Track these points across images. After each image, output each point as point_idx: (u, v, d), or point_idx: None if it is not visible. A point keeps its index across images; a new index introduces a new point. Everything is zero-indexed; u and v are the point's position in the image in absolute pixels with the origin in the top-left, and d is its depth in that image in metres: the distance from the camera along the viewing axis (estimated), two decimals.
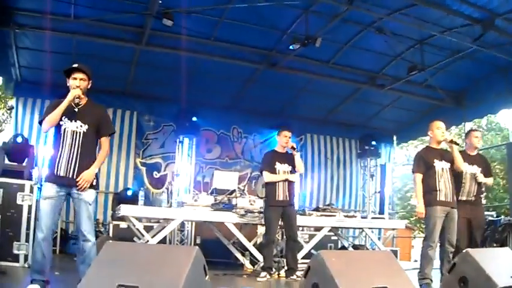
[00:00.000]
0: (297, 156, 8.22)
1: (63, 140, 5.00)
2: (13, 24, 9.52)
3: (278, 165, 8.19)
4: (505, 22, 9.32)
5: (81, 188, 4.95)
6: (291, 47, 9.97)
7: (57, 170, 4.95)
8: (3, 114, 21.63)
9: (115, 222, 10.41)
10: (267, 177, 8.20)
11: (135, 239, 9.18)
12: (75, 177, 4.96)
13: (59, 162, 4.97)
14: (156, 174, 13.13)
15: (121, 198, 10.96)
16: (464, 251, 5.51)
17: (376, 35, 10.20)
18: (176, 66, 11.48)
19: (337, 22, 9.27)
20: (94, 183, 5.12)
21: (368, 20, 9.91)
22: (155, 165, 13.19)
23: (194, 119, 12.47)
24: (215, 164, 13.82)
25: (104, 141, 5.24)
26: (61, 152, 4.99)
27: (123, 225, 10.23)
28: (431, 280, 6.57)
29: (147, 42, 10.30)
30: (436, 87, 12.30)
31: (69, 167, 4.96)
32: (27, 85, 11.82)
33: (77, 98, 5.05)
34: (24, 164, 8.47)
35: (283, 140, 8.27)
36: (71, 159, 4.98)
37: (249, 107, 13.55)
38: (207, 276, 4.03)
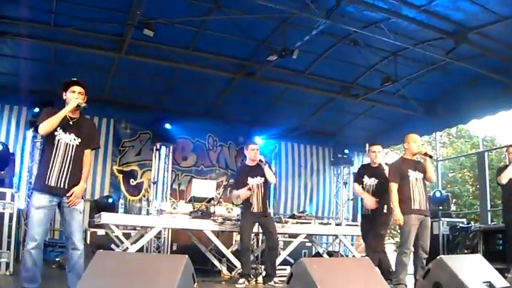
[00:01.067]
0: (266, 169, 8.37)
1: (56, 151, 5.10)
2: None
3: (250, 180, 8.38)
4: (477, 36, 9.61)
5: (71, 203, 5.07)
6: (268, 59, 10.12)
7: (48, 180, 5.03)
8: None
9: (92, 230, 10.44)
10: (233, 195, 9.11)
11: (112, 246, 9.24)
12: (66, 187, 5.07)
13: (50, 172, 5.04)
14: (132, 182, 13.12)
15: (101, 205, 10.95)
16: (438, 257, 5.74)
17: (351, 46, 10.44)
18: (154, 74, 11.62)
19: (313, 34, 9.44)
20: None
21: (344, 32, 10.10)
22: (131, 173, 13.18)
23: (169, 126, 12.60)
24: (191, 171, 13.88)
25: (88, 153, 5.37)
26: (53, 162, 5.07)
27: (100, 232, 10.26)
28: (406, 285, 6.79)
29: (127, 51, 10.33)
30: (408, 97, 12.57)
31: (60, 178, 5.06)
32: (4, 92, 11.74)
33: (79, 107, 5.18)
34: (4, 172, 8.49)
35: (251, 154, 8.51)
36: (62, 170, 5.08)
37: (224, 115, 13.65)
38: (196, 284, 4.18)
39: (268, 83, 12.14)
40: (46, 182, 5.04)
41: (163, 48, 10.50)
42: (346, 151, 14.63)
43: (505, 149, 9.83)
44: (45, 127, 5.08)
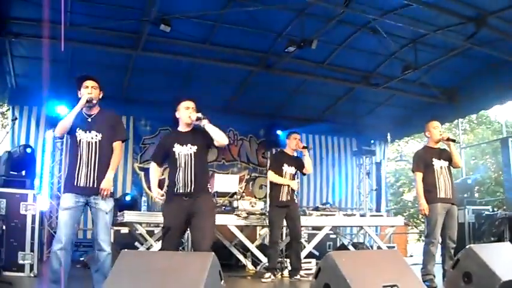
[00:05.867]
0: (307, 158, 8.34)
1: (80, 151, 5.08)
2: (8, 34, 9.56)
3: (285, 167, 8.26)
4: (497, 20, 9.44)
5: (103, 196, 5.05)
6: (287, 50, 10.04)
7: (77, 181, 5.03)
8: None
9: (116, 228, 10.43)
10: (272, 176, 8.28)
11: (136, 244, 9.22)
12: (95, 186, 5.04)
13: (78, 173, 5.04)
14: None
15: (120, 204, 10.96)
16: (467, 246, 5.65)
17: (370, 35, 10.30)
18: (172, 70, 11.62)
19: (332, 24, 9.35)
20: (111, 190, 5.21)
21: (362, 20, 9.97)
22: None
23: None
24: (212, 166, 13.78)
25: (116, 146, 5.30)
26: (79, 163, 5.06)
27: (124, 230, 10.28)
28: (434, 276, 6.73)
29: (144, 48, 10.32)
30: (429, 84, 12.38)
31: (88, 177, 5.04)
32: (23, 93, 11.82)
33: (89, 101, 5.10)
34: (25, 173, 8.50)
35: (293, 143, 8.33)
36: (89, 169, 5.06)
37: (244, 109, 13.55)
38: (223, 281, 4.12)
39: (287, 75, 12.07)
40: (75, 184, 5.04)
41: (180, 44, 10.47)
42: (368, 141, 14.52)
43: None
44: (58, 129, 5.15)
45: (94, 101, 5.18)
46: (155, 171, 5.88)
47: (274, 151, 9.61)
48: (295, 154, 8.50)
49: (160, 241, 8.18)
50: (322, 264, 4.55)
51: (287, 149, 8.49)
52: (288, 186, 8.16)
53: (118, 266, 3.98)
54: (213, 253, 3.97)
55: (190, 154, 5.61)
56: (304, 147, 8.32)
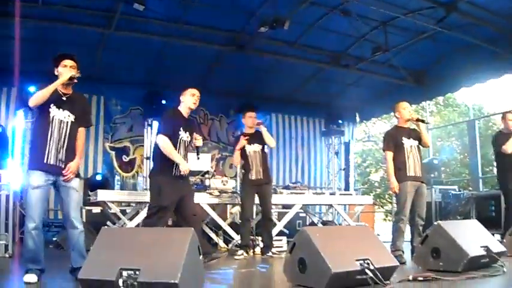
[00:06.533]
0: (265, 132, 8.41)
1: (51, 128, 5.03)
2: None
3: (247, 147, 8.42)
4: (467, 5, 9.65)
5: (67, 179, 5.03)
6: (260, 30, 10.08)
7: (47, 159, 4.98)
8: None
9: (87, 208, 10.40)
10: (234, 157, 8.62)
11: (108, 223, 9.25)
12: (63, 166, 5.03)
13: (48, 150, 4.99)
14: (125, 158, 13.08)
15: (91, 183, 10.98)
16: (436, 223, 5.86)
17: (341, 16, 10.40)
18: (143, 49, 11.52)
19: (305, 5, 9.40)
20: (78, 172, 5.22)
21: (334, 2, 10.10)
22: (124, 149, 13.12)
23: (163, 102, 12.45)
24: None
25: (82, 131, 5.32)
26: (49, 140, 5.01)
27: (95, 210, 10.27)
28: (403, 252, 6.92)
29: (117, 27, 10.24)
30: (398, 66, 12.54)
31: (58, 156, 5.02)
32: None
33: (71, 78, 5.09)
34: None
35: (249, 121, 8.53)
36: (59, 148, 5.03)
37: (215, 89, 13.50)
38: (201, 256, 4.24)
39: (258, 55, 12.09)
40: (45, 161, 4.98)
41: (153, 22, 10.40)
42: (337, 121, 14.67)
43: (498, 116, 9.80)
44: (35, 99, 4.98)
45: (75, 80, 5.16)
46: (171, 145, 6.35)
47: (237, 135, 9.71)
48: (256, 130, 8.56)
49: (134, 219, 8.31)
50: (296, 240, 4.70)
51: (246, 128, 8.64)
52: (256, 162, 8.39)
53: (99, 243, 4.05)
54: (192, 229, 4.07)
55: (188, 141, 6.67)
56: (259, 123, 8.43)
